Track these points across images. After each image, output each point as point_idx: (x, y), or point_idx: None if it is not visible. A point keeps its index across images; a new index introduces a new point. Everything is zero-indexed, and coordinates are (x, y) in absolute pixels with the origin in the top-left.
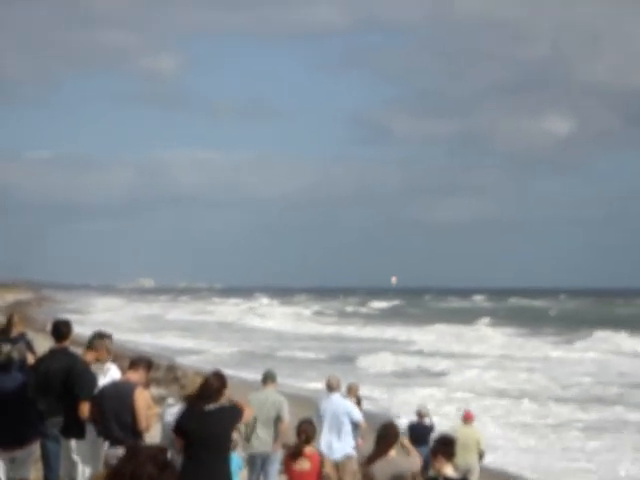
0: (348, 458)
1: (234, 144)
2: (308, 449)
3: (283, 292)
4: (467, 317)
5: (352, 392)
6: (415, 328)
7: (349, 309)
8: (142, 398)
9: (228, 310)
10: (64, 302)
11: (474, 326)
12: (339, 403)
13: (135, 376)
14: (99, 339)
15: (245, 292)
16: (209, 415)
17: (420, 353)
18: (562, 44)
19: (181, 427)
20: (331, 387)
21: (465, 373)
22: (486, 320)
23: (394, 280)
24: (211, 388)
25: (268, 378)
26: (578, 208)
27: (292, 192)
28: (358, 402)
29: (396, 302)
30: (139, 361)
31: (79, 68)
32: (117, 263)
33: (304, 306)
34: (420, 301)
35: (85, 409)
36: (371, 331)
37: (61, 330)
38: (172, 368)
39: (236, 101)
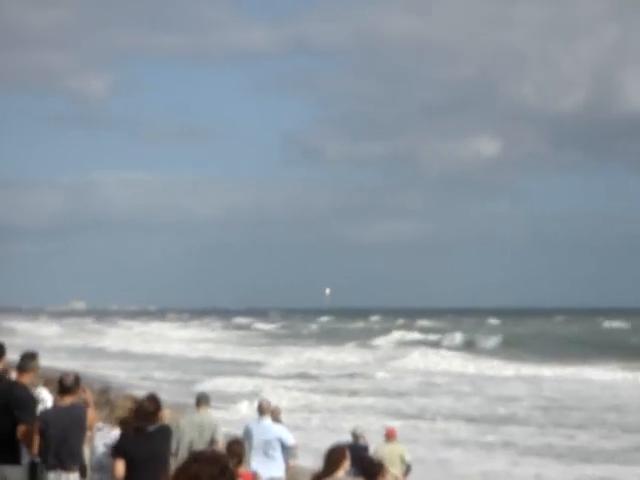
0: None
1: (167, 166)
2: (242, 470)
3: (205, 313)
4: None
5: (274, 415)
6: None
7: (239, 331)
8: (92, 419)
9: (117, 333)
10: None
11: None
12: (270, 427)
13: (74, 398)
14: (32, 360)
15: (163, 313)
16: (151, 436)
17: (270, 376)
18: (489, 67)
19: (124, 449)
20: (262, 411)
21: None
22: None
23: (328, 292)
24: (147, 411)
25: (202, 400)
26: (505, 229)
27: (225, 214)
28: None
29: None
30: (76, 382)
31: (3, 88)
32: (48, 286)
33: (208, 328)
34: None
35: (26, 434)
36: (245, 353)
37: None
38: (105, 391)
39: (168, 123)
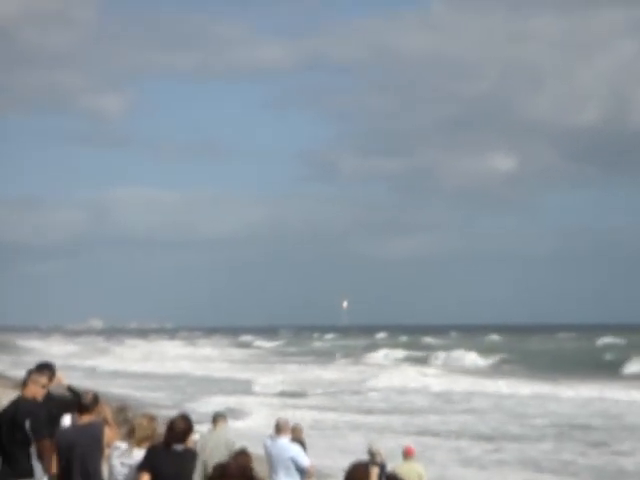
0: None
1: (184, 183)
2: None
3: (218, 331)
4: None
5: (295, 434)
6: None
7: (241, 349)
8: (111, 437)
9: (119, 352)
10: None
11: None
12: (285, 447)
13: (93, 417)
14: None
15: (175, 332)
16: (179, 456)
17: (254, 393)
18: (505, 81)
19: (151, 463)
20: (279, 430)
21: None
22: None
23: (345, 304)
24: (178, 429)
25: (219, 418)
26: (522, 244)
27: (241, 231)
28: (302, 444)
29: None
30: (94, 400)
31: (21, 108)
32: (66, 304)
33: (212, 346)
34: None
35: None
36: (236, 371)
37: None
38: (123, 409)
39: (185, 140)
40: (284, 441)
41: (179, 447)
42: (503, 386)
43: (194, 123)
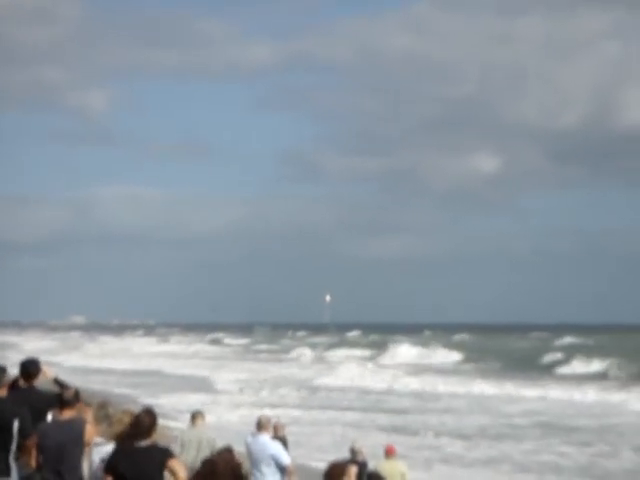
0: None
1: (167, 182)
2: None
3: (197, 328)
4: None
5: (277, 431)
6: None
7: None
8: (91, 434)
9: (88, 349)
10: None
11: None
12: (265, 444)
13: (74, 412)
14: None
15: (153, 328)
16: (140, 452)
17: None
18: (489, 83)
19: (112, 466)
20: (260, 427)
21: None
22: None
23: (328, 299)
24: (142, 425)
25: (198, 415)
26: (506, 245)
27: (224, 229)
28: (284, 441)
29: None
30: (75, 396)
31: (6, 106)
32: (48, 300)
33: (182, 343)
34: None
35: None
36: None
37: (29, 370)
38: (104, 405)
39: (169, 139)
40: (265, 438)
41: (144, 443)
42: (439, 383)
43: (179, 121)
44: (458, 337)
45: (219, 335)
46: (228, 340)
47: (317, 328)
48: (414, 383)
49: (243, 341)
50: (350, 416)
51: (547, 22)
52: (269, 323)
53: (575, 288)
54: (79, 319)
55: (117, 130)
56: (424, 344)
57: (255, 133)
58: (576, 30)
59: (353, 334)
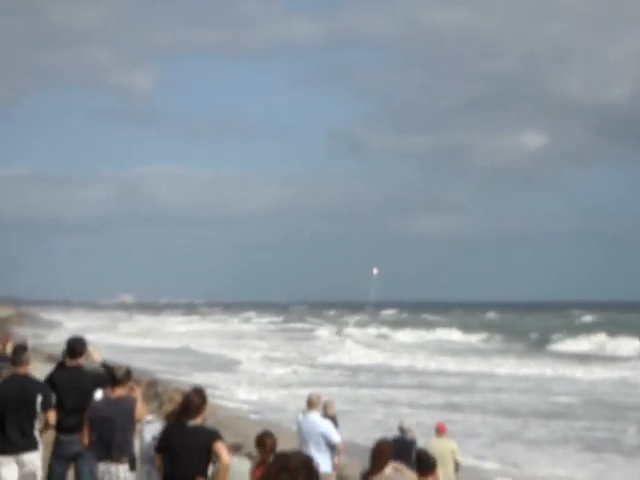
0: (326, 475)
1: (211, 161)
2: None
3: (240, 307)
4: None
5: (327, 410)
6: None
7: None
8: (141, 412)
9: (127, 327)
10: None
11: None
12: (315, 423)
13: (125, 391)
14: (24, 352)
15: (196, 307)
16: (189, 432)
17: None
18: (535, 59)
19: (162, 444)
20: (310, 404)
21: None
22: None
23: (375, 271)
24: (192, 404)
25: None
26: (553, 222)
27: (270, 208)
28: (333, 420)
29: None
30: (127, 374)
31: (52, 85)
32: (97, 279)
33: (212, 321)
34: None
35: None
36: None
37: (75, 348)
38: (153, 384)
39: (212, 118)
40: (315, 416)
41: (193, 422)
42: (431, 362)
43: (223, 100)
44: (488, 316)
45: (251, 314)
46: (257, 319)
47: (356, 306)
48: (402, 360)
49: (272, 319)
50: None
51: None
52: (312, 302)
53: (620, 267)
54: (127, 298)
55: (161, 110)
56: (447, 324)
57: (299, 111)
58: (623, 4)
59: (388, 312)
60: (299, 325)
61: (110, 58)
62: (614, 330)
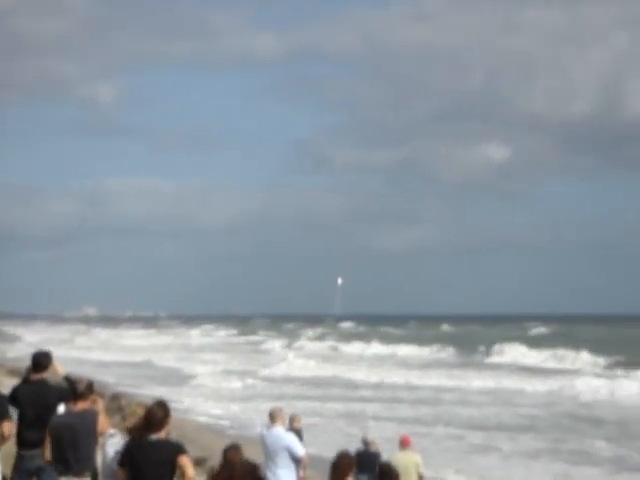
0: None
1: (177, 173)
2: None
3: (201, 319)
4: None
5: (293, 423)
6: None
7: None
8: (104, 425)
9: (82, 340)
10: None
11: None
12: (280, 436)
13: (88, 404)
14: None
15: (156, 320)
16: (152, 446)
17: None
18: (499, 73)
19: (125, 459)
20: (273, 418)
21: None
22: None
23: (340, 281)
24: (155, 417)
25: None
26: (517, 235)
27: (235, 220)
28: (299, 433)
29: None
30: (89, 388)
31: (16, 97)
32: (63, 292)
33: (168, 335)
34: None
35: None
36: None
37: (40, 361)
38: (116, 397)
39: (178, 130)
40: (279, 430)
41: (154, 437)
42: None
43: (188, 113)
44: (443, 329)
45: (209, 327)
46: (215, 333)
47: (318, 319)
48: (356, 373)
49: (229, 332)
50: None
51: (557, 11)
52: (275, 314)
53: (587, 278)
54: (92, 311)
55: (127, 122)
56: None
57: (264, 125)
58: (586, 19)
59: (347, 325)
60: (253, 338)
61: (74, 70)
62: (567, 342)
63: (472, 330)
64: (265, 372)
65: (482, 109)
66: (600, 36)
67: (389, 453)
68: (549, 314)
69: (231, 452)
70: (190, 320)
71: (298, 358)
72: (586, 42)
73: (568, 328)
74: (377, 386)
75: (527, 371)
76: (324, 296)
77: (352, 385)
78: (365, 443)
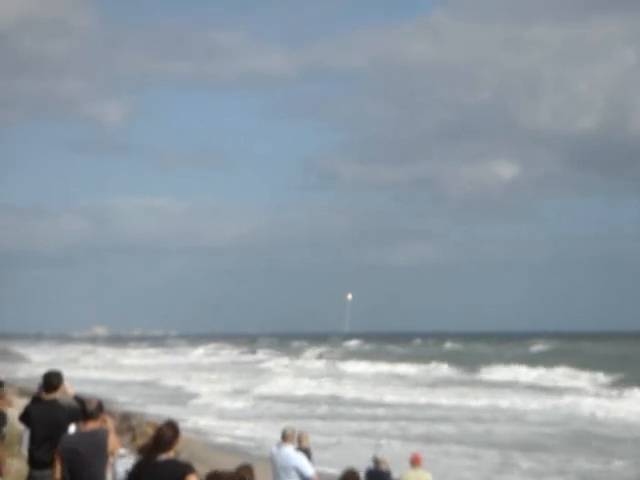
0: None
1: (185, 192)
2: None
3: (209, 338)
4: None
5: (301, 442)
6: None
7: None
8: (114, 445)
9: (85, 361)
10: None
11: None
12: (289, 456)
13: (98, 424)
14: None
15: (164, 339)
16: (160, 466)
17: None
18: (505, 90)
19: (133, 478)
20: (284, 438)
21: None
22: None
23: (350, 297)
24: (164, 437)
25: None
26: (523, 252)
27: (244, 239)
28: (307, 452)
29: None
30: (99, 407)
31: (23, 117)
32: (71, 312)
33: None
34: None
35: None
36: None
37: (51, 381)
38: (126, 417)
39: (186, 149)
40: (289, 450)
41: (162, 457)
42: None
43: (195, 131)
44: (447, 346)
45: (215, 346)
46: (220, 352)
47: (324, 338)
48: (360, 392)
49: (234, 351)
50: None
51: (563, 28)
52: (283, 333)
53: (592, 296)
54: (101, 330)
55: (134, 140)
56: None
57: (272, 142)
58: (592, 36)
59: (352, 343)
60: (255, 357)
61: (81, 89)
62: (568, 360)
63: (474, 348)
64: (260, 391)
65: (489, 126)
66: (607, 52)
67: (400, 472)
68: (555, 331)
69: (244, 471)
70: (198, 339)
71: (296, 377)
72: (593, 58)
73: (572, 346)
74: (378, 404)
75: (531, 389)
76: (333, 314)
77: (351, 403)
78: (376, 461)
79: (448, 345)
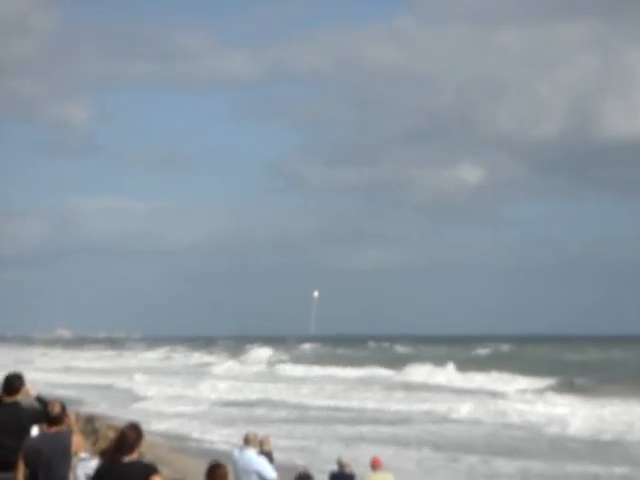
0: None
1: (149, 193)
2: None
3: (170, 340)
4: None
5: (263, 446)
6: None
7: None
8: (78, 445)
9: (40, 362)
10: None
11: None
12: (251, 460)
13: (62, 427)
14: None
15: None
16: (124, 468)
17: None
18: (469, 95)
19: None
20: (247, 441)
21: None
22: None
23: (316, 294)
24: (127, 440)
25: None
26: (485, 255)
27: (208, 240)
28: (269, 456)
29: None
30: (62, 410)
31: None
32: (34, 313)
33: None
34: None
35: None
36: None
37: (12, 384)
38: (91, 419)
39: (149, 150)
40: (251, 453)
41: (128, 458)
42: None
43: (159, 133)
44: (396, 348)
45: (169, 349)
46: (173, 354)
47: (284, 340)
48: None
49: (186, 354)
50: None
51: (526, 34)
52: (246, 336)
53: (554, 300)
54: (64, 332)
55: (97, 142)
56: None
57: (237, 144)
58: (554, 41)
59: (306, 346)
60: (204, 360)
61: (44, 91)
62: (506, 364)
63: (422, 350)
64: (200, 394)
65: (453, 130)
66: (570, 57)
67: (362, 475)
68: (513, 335)
69: (216, 469)
70: (158, 341)
71: (235, 380)
72: (556, 63)
73: (520, 350)
74: (305, 407)
75: (455, 392)
76: (298, 317)
77: (280, 406)
78: (340, 465)
79: (398, 348)
